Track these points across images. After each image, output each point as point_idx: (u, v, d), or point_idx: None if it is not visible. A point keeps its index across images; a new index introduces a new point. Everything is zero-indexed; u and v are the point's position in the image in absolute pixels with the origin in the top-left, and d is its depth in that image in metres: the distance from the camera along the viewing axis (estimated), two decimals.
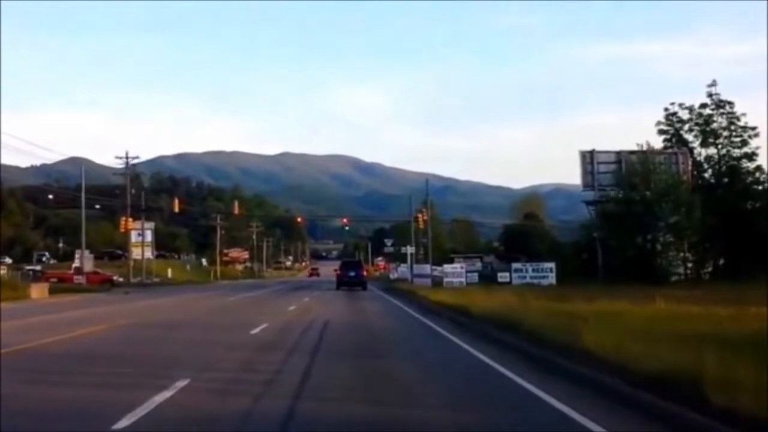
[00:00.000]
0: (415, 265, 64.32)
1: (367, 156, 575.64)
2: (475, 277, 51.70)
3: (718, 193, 53.29)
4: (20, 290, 37.85)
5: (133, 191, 78.57)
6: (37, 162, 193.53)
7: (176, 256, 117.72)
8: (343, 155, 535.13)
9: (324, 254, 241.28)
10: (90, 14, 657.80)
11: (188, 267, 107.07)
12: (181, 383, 8.73)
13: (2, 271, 57.41)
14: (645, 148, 52.25)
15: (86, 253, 62.34)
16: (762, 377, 6.67)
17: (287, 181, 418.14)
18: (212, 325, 18.85)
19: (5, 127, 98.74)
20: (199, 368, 10.22)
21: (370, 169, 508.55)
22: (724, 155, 55.09)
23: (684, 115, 55.61)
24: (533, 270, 49.89)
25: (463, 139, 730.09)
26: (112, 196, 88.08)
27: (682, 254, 51.83)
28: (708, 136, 54.88)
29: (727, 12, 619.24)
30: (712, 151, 55.36)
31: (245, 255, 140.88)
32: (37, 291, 39.17)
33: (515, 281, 48.21)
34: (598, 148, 53.11)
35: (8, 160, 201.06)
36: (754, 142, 53.88)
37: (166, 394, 8.03)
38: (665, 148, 54.96)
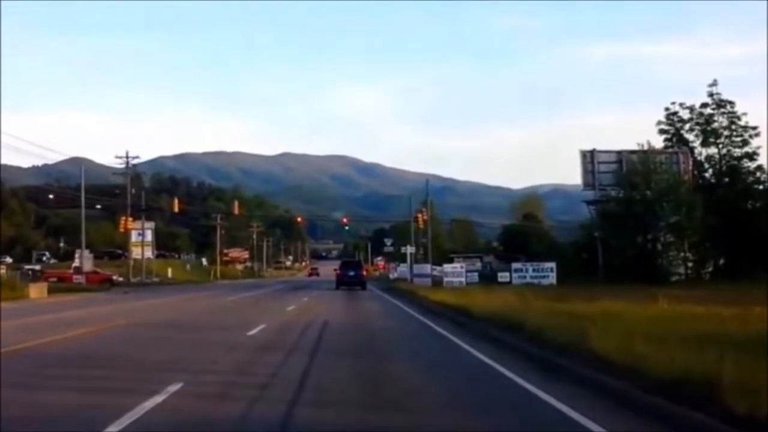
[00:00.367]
0: (414, 265, 64.18)
1: (367, 156, 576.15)
2: (475, 276, 51.58)
3: (719, 193, 53.18)
4: (19, 290, 37.67)
5: (133, 191, 78.54)
6: (39, 162, 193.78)
7: (176, 256, 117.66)
8: (343, 155, 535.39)
9: (324, 254, 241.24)
10: (91, 15, 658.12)
11: (188, 267, 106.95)
12: (174, 387, 8.47)
13: (1, 271, 57.30)
14: (646, 147, 52.15)
15: (86, 252, 62.22)
16: None
17: (287, 182, 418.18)
18: (209, 326, 18.63)
19: (8, 128, 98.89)
20: (194, 371, 9.99)
21: (369, 170, 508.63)
22: (724, 155, 55.02)
23: (685, 114, 55.66)
24: (533, 270, 49.71)
25: (462, 140, 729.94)
26: (113, 196, 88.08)
27: (682, 254, 51.74)
28: (709, 135, 54.79)
29: (728, 12, 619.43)
30: (712, 150, 55.37)
31: (245, 255, 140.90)
32: (36, 291, 39.01)
33: (515, 281, 48.05)
34: (598, 148, 53.04)
35: (10, 160, 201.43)
36: (754, 142, 53.96)
37: (158, 399, 7.76)
38: (666, 147, 54.88)
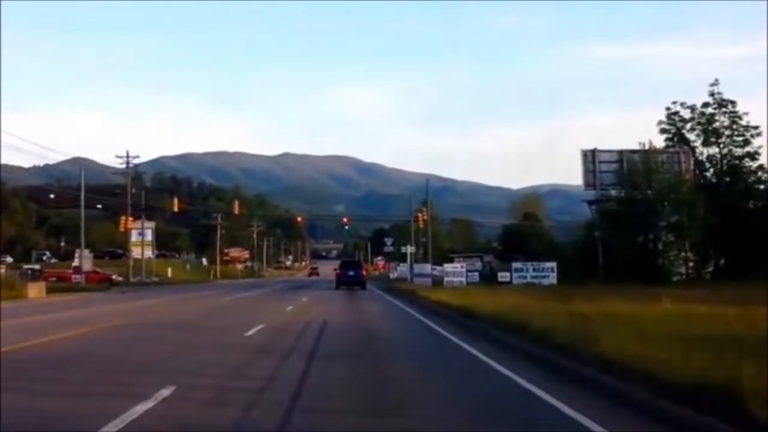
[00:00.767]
0: (414, 265, 64.02)
1: (367, 157, 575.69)
2: (475, 276, 51.46)
3: (720, 193, 52.96)
4: (17, 289, 37.47)
5: (133, 191, 78.42)
6: (41, 162, 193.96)
7: (176, 256, 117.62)
8: (344, 156, 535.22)
9: (324, 254, 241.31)
10: (93, 15, 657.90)
11: (188, 266, 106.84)
12: (166, 392, 8.11)
13: (1, 270, 57.14)
14: (647, 147, 51.96)
15: (86, 252, 62.08)
16: None
17: (287, 182, 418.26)
18: (205, 326, 18.31)
19: (11, 128, 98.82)
20: (187, 374, 9.63)
21: (369, 170, 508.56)
22: (726, 154, 54.81)
23: (686, 114, 55.41)
24: (534, 270, 49.49)
25: (462, 140, 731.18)
26: (113, 196, 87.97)
27: (683, 254, 51.53)
28: (710, 135, 54.58)
29: (728, 12, 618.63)
30: (714, 150, 55.12)
31: (245, 254, 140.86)
32: (34, 290, 38.84)
33: (516, 281, 47.87)
34: (598, 148, 52.85)
35: (12, 160, 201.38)
36: (756, 142, 53.69)
37: (147, 405, 7.37)
38: (667, 147, 54.67)
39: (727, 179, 54.43)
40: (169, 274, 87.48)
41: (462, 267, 52.92)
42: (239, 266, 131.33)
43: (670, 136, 55.75)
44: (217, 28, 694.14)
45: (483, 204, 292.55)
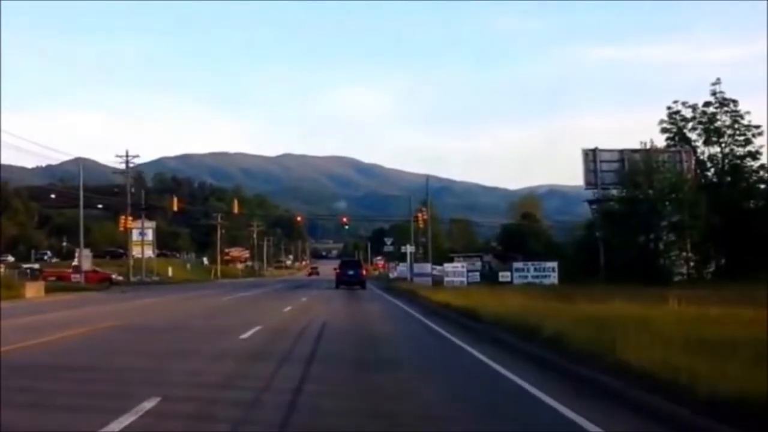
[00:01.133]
0: (414, 264, 63.84)
1: (367, 157, 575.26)
2: (476, 276, 51.22)
3: (722, 192, 52.70)
4: (15, 289, 37.29)
5: (133, 190, 78.34)
6: (43, 163, 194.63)
7: (177, 255, 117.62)
8: (343, 156, 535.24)
9: (324, 253, 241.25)
10: (93, 16, 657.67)
11: (188, 266, 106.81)
12: (149, 404, 7.37)
13: (0, 270, 56.98)
14: (648, 146, 51.73)
15: (86, 251, 61.94)
16: None
17: (288, 182, 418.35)
18: (201, 328, 17.86)
19: (14, 129, 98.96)
20: (175, 383, 8.91)
21: (369, 170, 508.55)
22: (727, 154, 54.55)
23: (687, 113, 55.14)
24: (535, 269, 49.24)
25: (460, 141, 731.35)
26: (113, 196, 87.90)
27: (684, 254, 51.29)
28: (711, 134, 54.31)
29: (729, 12, 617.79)
30: (715, 149, 54.86)
31: (246, 254, 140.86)
32: (33, 290, 38.69)
33: (516, 281, 47.62)
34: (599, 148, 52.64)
35: (15, 160, 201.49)
36: (757, 141, 53.35)
37: (125, 421, 6.60)
38: (668, 146, 54.44)
39: (729, 179, 54.17)
40: (170, 273, 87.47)
41: (463, 267, 52.71)
42: (240, 266, 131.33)
43: (671, 135, 55.49)
44: (217, 28, 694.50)
45: (481, 204, 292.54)
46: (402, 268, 73.22)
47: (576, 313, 15.30)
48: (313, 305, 28.85)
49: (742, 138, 53.69)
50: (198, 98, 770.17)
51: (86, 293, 43.62)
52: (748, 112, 53.73)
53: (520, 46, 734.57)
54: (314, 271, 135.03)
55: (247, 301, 33.42)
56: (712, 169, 55.63)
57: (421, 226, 72.76)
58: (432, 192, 77.90)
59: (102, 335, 16.14)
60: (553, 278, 47.56)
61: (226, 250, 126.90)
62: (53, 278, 54.63)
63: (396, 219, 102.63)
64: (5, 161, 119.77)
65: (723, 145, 54.49)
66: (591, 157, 51.77)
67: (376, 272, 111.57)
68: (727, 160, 54.58)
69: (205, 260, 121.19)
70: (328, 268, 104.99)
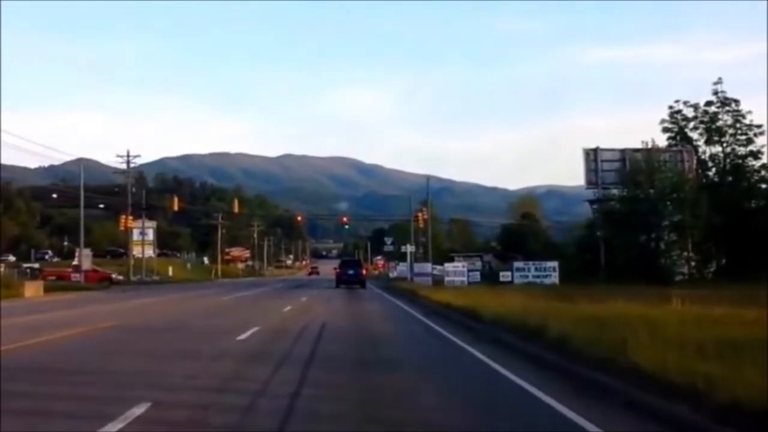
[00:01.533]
0: (414, 264, 63.74)
1: (367, 158, 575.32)
2: (476, 276, 51.09)
3: (723, 192, 52.59)
4: (14, 288, 37.18)
5: (133, 190, 78.32)
6: (46, 163, 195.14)
7: (177, 255, 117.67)
8: (344, 157, 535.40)
9: (324, 253, 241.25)
10: (93, 16, 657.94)
11: (189, 265, 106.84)
12: (139, 410, 7.02)
13: (0, 269, 56.88)
14: (650, 146, 51.62)
15: (86, 251, 61.88)
16: None
17: (288, 182, 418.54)
18: (198, 329, 17.62)
19: (16, 129, 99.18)
20: (168, 387, 8.55)
21: (369, 171, 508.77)
22: (728, 153, 54.44)
23: (689, 113, 55.04)
24: (536, 269, 49.12)
25: (460, 141, 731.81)
26: (114, 195, 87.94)
27: (685, 253, 51.17)
28: (713, 134, 54.20)
29: (730, 12, 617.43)
30: (716, 149, 54.74)
31: (246, 254, 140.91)
32: (32, 289, 38.59)
33: (517, 280, 47.51)
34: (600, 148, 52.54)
35: (19, 161, 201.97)
36: (759, 140, 53.29)
37: (113, 428, 6.30)
38: (670, 146, 54.33)
39: (730, 178, 54.05)
40: (170, 273, 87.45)
41: (463, 266, 52.62)
42: (240, 265, 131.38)
43: (672, 134, 55.39)
44: (218, 29, 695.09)
45: (480, 204, 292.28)
46: (402, 268, 73.16)
47: (579, 312, 15.11)
48: (313, 305, 28.72)
49: (743, 137, 53.61)
50: (199, 99, 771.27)
51: (86, 293, 43.54)
52: (749, 112, 53.74)
53: (520, 46, 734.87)
54: (314, 271, 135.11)
55: (247, 300, 33.29)
56: (714, 169, 55.54)
57: (421, 225, 72.73)
58: (432, 192, 77.85)
59: (98, 335, 15.93)
60: (554, 278, 47.45)
61: (227, 250, 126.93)
62: (53, 278, 54.60)
63: (396, 219, 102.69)
64: (9, 161, 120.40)
65: (724, 144, 54.40)
66: (592, 156, 51.67)
67: (376, 272, 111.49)
68: (728, 160, 54.47)
69: (206, 260, 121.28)
70: (328, 268, 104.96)
